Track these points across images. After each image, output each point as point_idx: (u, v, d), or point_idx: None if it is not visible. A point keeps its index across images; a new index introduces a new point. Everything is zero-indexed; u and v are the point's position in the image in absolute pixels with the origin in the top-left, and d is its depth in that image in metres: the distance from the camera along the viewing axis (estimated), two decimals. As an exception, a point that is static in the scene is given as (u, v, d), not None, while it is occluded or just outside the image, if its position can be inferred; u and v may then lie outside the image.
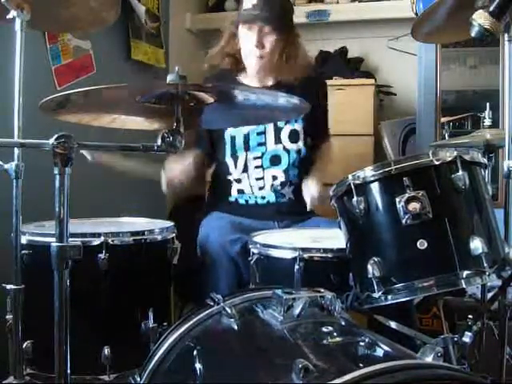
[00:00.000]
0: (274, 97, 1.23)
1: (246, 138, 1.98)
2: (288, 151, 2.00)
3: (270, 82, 2.04)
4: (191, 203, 2.51)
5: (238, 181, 2.02)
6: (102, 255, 1.43)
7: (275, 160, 2.00)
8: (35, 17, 1.37)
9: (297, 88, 1.93)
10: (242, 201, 2.03)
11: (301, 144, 2.02)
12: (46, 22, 1.54)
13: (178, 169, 1.87)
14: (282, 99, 1.20)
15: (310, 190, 1.84)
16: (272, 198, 2.01)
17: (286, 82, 1.98)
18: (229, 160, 2.01)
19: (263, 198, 2.01)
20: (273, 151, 2.00)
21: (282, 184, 2.00)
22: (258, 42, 1.92)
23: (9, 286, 1.33)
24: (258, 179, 2.00)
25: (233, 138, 1.99)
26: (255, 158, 2.00)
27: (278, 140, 2.00)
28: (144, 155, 1.38)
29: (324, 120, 2.15)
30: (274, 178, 2.00)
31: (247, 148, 2.00)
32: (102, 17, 1.51)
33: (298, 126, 2.01)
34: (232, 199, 2.04)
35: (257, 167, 2.00)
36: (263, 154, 2.00)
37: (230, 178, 2.03)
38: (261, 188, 2.01)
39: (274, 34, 1.92)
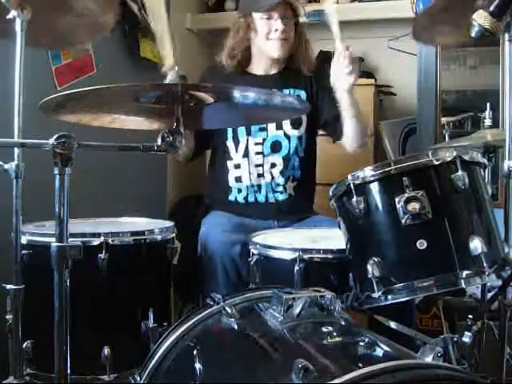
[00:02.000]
0: (274, 96, 1.23)
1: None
2: (289, 137, 2.01)
3: (274, 71, 2.05)
4: (191, 203, 2.51)
5: (237, 166, 2.02)
6: (102, 255, 1.43)
7: (276, 147, 2.01)
8: (34, 32, 1.36)
9: (298, 76, 1.99)
10: (240, 199, 2.02)
11: (303, 130, 2.02)
12: (45, 37, 1.52)
13: None
14: (282, 98, 1.20)
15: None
16: (270, 194, 2.01)
17: (290, 70, 2.03)
18: (230, 143, 2.02)
19: (259, 187, 2.00)
20: (274, 137, 2.01)
21: (281, 173, 2.00)
22: (284, 25, 1.96)
23: (9, 286, 1.33)
24: (257, 166, 2.01)
25: None
26: (256, 144, 2.01)
27: (279, 125, 2.01)
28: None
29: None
30: (273, 165, 2.00)
31: (249, 132, 2.00)
32: (99, 24, 1.49)
33: None
34: (231, 198, 2.03)
35: (257, 153, 2.00)
36: (264, 139, 2.01)
37: (229, 163, 2.03)
38: (259, 175, 2.01)
39: (292, 19, 2.01)
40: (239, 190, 2.02)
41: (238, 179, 2.02)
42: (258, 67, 2.07)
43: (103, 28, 1.52)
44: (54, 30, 1.47)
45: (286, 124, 2.01)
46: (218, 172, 2.07)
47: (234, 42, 2.04)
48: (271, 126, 2.00)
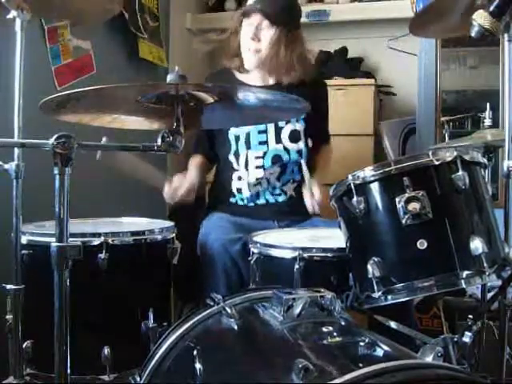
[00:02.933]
0: (275, 96, 1.23)
1: (248, 136, 1.98)
2: (288, 151, 2.00)
3: (271, 82, 2.05)
4: (191, 203, 2.51)
5: (240, 178, 2.02)
6: (102, 255, 1.43)
7: (276, 160, 2.00)
8: (38, 8, 1.37)
9: (297, 89, 1.93)
10: (241, 202, 2.03)
11: (301, 144, 2.01)
12: (49, 12, 1.54)
13: (182, 189, 1.87)
14: (283, 99, 1.20)
15: (313, 192, 1.83)
16: (270, 197, 2.01)
17: (287, 83, 1.99)
18: (231, 157, 2.02)
19: (258, 195, 2.01)
20: (274, 151, 2.00)
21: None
22: (254, 35, 1.92)
23: (9, 286, 1.33)
24: (257, 179, 2.00)
25: (237, 138, 2.00)
26: (257, 158, 2.00)
27: (278, 139, 2.00)
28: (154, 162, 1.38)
29: (324, 122, 2.16)
30: (270, 173, 2.00)
31: (248, 146, 2.00)
32: (106, 8, 1.51)
33: (299, 126, 2.01)
34: (232, 200, 2.04)
35: (258, 167, 2.00)
36: (265, 153, 2.00)
37: (233, 174, 2.03)
38: (256, 184, 2.00)
39: (271, 28, 1.92)
40: (241, 199, 2.03)
41: (239, 190, 2.02)
42: (256, 77, 2.05)
43: (109, 12, 1.54)
44: (64, 8, 1.49)
45: (285, 138, 2.00)
46: (223, 180, 2.08)
47: (234, 44, 2.02)
48: (271, 140, 2.00)
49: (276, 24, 1.92)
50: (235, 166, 2.02)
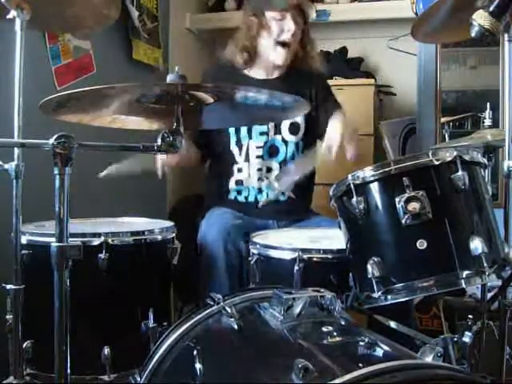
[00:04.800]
0: (274, 96, 1.22)
1: (250, 126, 1.99)
2: (286, 143, 2.01)
3: (276, 75, 2.06)
4: (191, 203, 2.51)
5: (240, 170, 2.03)
6: (102, 255, 1.43)
7: (273, 151, 2.02)
8: (36, 17, 1.37)
9: (300, 81, 1.97)
10: (241, 198, 2.03)
11: (300, 136, 2.02)
12: (46, 22, 1.54)
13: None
14: (283, 99, 1.20)
15: (334, 128, 1.81)
16: (272, 195, 2.01)
17: (292, 75, 2.02)
18: (234, 148, 2.02)
19: (261, 191, 2.01)
20: (272, 141, 2.02)
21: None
22: (296, 29, 1.95)
23: (9, 286, 1.33)
24: (258, 170, 2.01)
25: (237, 128, 2.00)
26: (257, 148, 2.01)
27: (278, 130, 2.02)
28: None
29: (332, 97, 2.14)
30: (269, 169, 2.01)
31: (251, 136, 2.01)
32: (103, 15, 1.51)
33: (300, 119, 2.02)
34: (231, 197, 2.04)
35: (257, 157, 2.01)
36: (265, 143, 2.01)
37: (233, 167, 2.03)
38: (259, 179, 2.01)
39: (302, 22, 1.99)
40: (239, 192, 2.03)
41: (239, 182, 2.03)
42: (260, 70, 2.06)
43: (107, 19, 1.54)
44: (56, 16, 1.50)
45: (285, 129, 2.01)
46: (220, 175, 2.08)
47: (246, 39, 2.02)
48: (271, 131, 2.01)
49: (306, 18, 1.99)
50: (237, 157, 2.02)
